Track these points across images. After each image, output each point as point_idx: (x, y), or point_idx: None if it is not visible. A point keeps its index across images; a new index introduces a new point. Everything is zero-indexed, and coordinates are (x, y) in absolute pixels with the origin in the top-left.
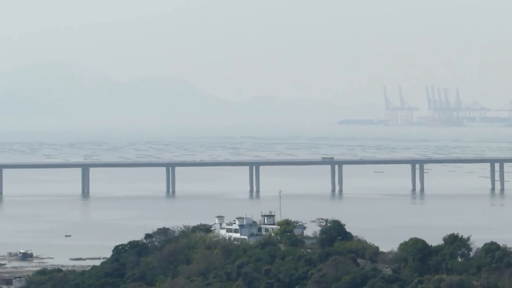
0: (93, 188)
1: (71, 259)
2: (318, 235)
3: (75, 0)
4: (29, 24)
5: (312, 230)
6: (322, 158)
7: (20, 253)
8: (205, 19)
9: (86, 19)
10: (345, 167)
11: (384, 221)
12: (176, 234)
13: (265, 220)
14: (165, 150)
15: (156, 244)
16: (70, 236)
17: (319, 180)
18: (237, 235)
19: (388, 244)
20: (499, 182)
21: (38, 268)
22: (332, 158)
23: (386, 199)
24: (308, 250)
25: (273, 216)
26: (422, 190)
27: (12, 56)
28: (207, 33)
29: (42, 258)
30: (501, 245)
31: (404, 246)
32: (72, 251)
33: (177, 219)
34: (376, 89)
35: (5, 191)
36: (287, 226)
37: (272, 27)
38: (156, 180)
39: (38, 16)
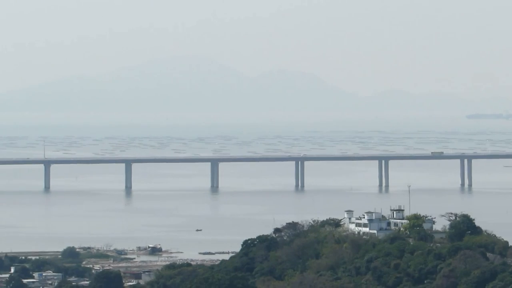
0: (222, 183)
1: (200, 253)
2: (447, 230)
3: None
4: (160, 20)
5: (441, 224)
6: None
7: (149, 247)
8: (335, 14)
9: (217, 15)
10: (474, 162)
11: None
12: (305, 229)
13: (394, 215)
14: (294, 145)
15: (285, 238)
16: (201, 230)
17: (448, 174)
18: (366, 229)
19: None
20: None
21: (167, 263)
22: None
23: None
24: (437, 244)
25: (402, 210)
26: None
27: (143, 51)
28: (337, 27)
29: (171, 253)
30: None
31: None
32: (201, 245)
33: (306, 213)
34: (505, 83)
35: (134, 186)
36: (416, 221)
37: (402, 23)
38: (285, 174)
39: (169, 12)
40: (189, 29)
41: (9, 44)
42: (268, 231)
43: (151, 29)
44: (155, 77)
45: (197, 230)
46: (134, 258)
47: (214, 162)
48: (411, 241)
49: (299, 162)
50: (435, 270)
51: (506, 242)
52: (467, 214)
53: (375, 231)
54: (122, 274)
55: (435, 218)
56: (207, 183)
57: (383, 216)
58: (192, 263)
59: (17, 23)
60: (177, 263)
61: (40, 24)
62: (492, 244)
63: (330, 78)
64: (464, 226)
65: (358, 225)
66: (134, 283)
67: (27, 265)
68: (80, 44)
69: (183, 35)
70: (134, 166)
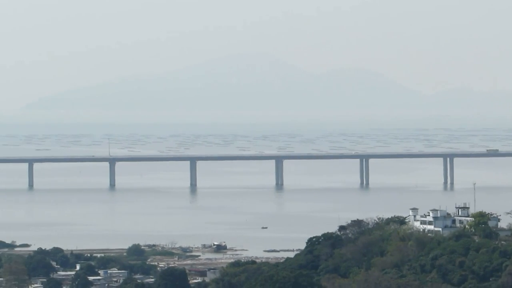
0: (286, 180)
1: (265, 251)
2: None
3: None
4: (223, 18)
5: (506, 222)
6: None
7: (214, 245)
8: (400, 10)
9: (279, 12)
10: None
11: None
12: (370, 226)
13: (459, 212)
14: (359, 142)
15: (350, 236)
16: (266, 228)
17: (509, 172)
18: (431, 227)
19: None
20: None
21: (232, 260)
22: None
23: None
24: (503, 242)
25: (467, 208)
26: None
27: (207, 49)
28: (401, 24)
29: (235, 250)
30: None
31: None
32: (265, 243)
33: (371, 211)
34: None
35: (199, 183)
36: (482, 218)
37: (467, 20)
38: (349, 172)
39: (232, 10)
40: (253, 27)
41: (77, 45)
42: (333, 228)
43: (214, 27)
44: (219, 75)
45: (263, 228)
46: (199, 256)
47: (279, 160)
48: (476, 238)
49: (364, 159)
50: (500, 268)
51: None
52: None
53: (440, 229)
54: (187, 271)
55: (500, 215)
56: (271, 180)
57: (448, 214)
58: (257, 260)
59: (87, 25)
60: (242, 260)
61: (107, 25)
62: None
63: (395, 76)
64: None
65: (423, 222)
66: (199, 280)
67: (92, 263)
68: (146, 44)
69: (247, 32)
70: (199, 163)
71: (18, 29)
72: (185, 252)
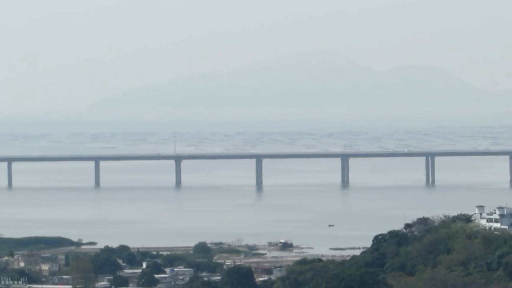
0: (352, 178)
1: (330, 248)
2: None
3: None
4: (287, 15)
5: None
6: None
7: (280, 243)
8: (467, 8)
9: (343, 8)
10: None
11: None
12: (436, 224)
13: None
14: (425, 140)
15: (415, 234)
16: (333, 225)
17: None
18: (498, 224)
19: None
20: None
21: (298, 258)
22: None
23: None
24: None
25: None
26: None
27: (273, 46)
28: (468, 21)
29: (301, 248)
30: None
31: None
32: (332, 241)
33: (437, 208)
34: None
35: (265, 181)
36: None
37: None
38: (415, 169)
39: (298, 6)
40: (316, 24)
41: (143, 43)
42: (398, 226)
43: (279, 25)
44: (283, 72)
45: (329, 226)
46: (265, 254)
47: (344, 157)
48: None
49: (429, 157)
50: None
51: None
52: None
53: (506, 227)
54: (253, 269)
55: None
56: (337, 178)
57: None
58: (323, 258)
59: (154, 23)
60: (308, 258)
61: (173, 21)
62: None
63: (460, 73)
64: None
65: (489, 220)
66: (265, 278)
67: (159, 260)
68: (213, 41)
69: (311, 30)
70: (265, 161)
71: (85, 27)
72: (251, 250)
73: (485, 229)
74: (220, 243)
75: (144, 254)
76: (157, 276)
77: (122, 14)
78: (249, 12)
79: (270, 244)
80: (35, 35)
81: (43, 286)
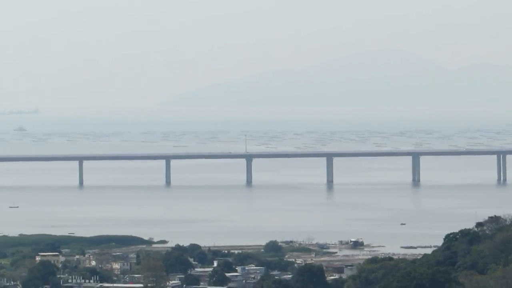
0: (423, 176)
1: (401, 247)
2: None
3: None
4: (359, 14)
5: None
6: None
7: (351, 241)
8: None
9: (413, 8)
10: None
11: None
12: (507, 223)
13: None
14: (496, 138)
15: (487, 232)
16: (404, 224)
17: None
18: None
19: None
20: None
21: (369, 257)
22: None
23: None
24: None
25: None
26: None
27: (342, 46)
28: None
29: (373, 247)
30: None
31: None
32: (403, 239)
33: (509, 207)
34: None
35: (336, 180)
36: None
37: None
38: (486, 168)
39: (368, 6)
40: (388, 23)
41: (213, 43)
42: (470, 225)
43: (352, 24)
44: (354, 71)
45: (401, 224)
46: (336, 252)
47: (416, 156)
48: None
49: (501, 155)
50: None
51: None
52: None
53: None
54: (324, 268)
55: None
56: (408, 177)
57: None
58: (394, 257)
59: (224, 22)
60: (379, 257)
61: (245, 22)
62: None
63: None
64: None
65: None
66: (336, 277)
67: (230, 259)
68: (283, 40)
69: (382, 29)
70: (335, 160)
71: (156, 30)
72: (322, 249)
73: None
74: (291, 242)
75: (215, 252)
76: (228, 274)
77: (192, 17)
78: (322, 12)
79: (341, 242)
80: (95, 40)
81: (114, 285)
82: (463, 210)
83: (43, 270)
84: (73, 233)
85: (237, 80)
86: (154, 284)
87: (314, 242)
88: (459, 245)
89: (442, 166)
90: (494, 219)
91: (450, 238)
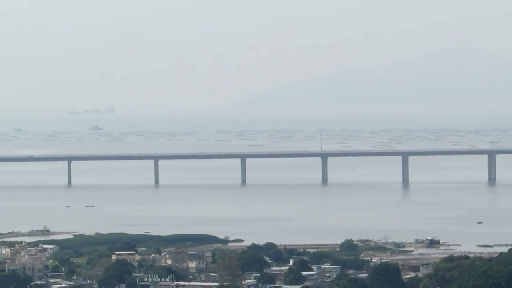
0: (499, 175)
1: (478, 245)
2: None
3: None
4: (434, 13)
5: None
6: None
7: (427, 240)
8: None
9: (488, 7)
10: None
11: None
12: None
13: None
14: None
15: None
16: (481, 223)
17: None
18: None
19: None
20: None
21: (445, 255)
22: None
23: None
24: None
25: None
26: None
27: (416, 44)
28: None
29: (449, 245)
30: None
31: None
32: (479, 237)
33: None
34: None
35: (411, 178)
36: None
37: None
38: None
39: (442, 5)
40: (462, 21)
41: (293, 42)
42: None
43: (427, 23)
44: (430, 69)
45: (478, 223)
46: (412, 251)
47: (491, 154)
48: None
49: None
50: None
51: None
52: None
53: None
54: (400, 266)
55: None
56: (484, 175)
57: None
58: (470, 255)
59: (301, 22)
60: (455, 255)
61: (324, 20)
62: None
63: None
64: None
65: None
66: (412, 275)
67: (305, 258)
68: (357, 40)
69: (456, 27)
70: (411, 158)
71: (233, 30)
72: (398, 247)
73: None
74: (367, 240)
75: (291, 251)
76: (304, 273)
77: (269, 15)
78: (398, 11)
79: (417, 241)
80: (190, 39)
81: (190, 283)
82: None
83: (119, 269)
84: (149, 232)
85: (313, 79)
86: (230, 283)
87: (390, 240)
88: None
89: None
90: None
91: None
